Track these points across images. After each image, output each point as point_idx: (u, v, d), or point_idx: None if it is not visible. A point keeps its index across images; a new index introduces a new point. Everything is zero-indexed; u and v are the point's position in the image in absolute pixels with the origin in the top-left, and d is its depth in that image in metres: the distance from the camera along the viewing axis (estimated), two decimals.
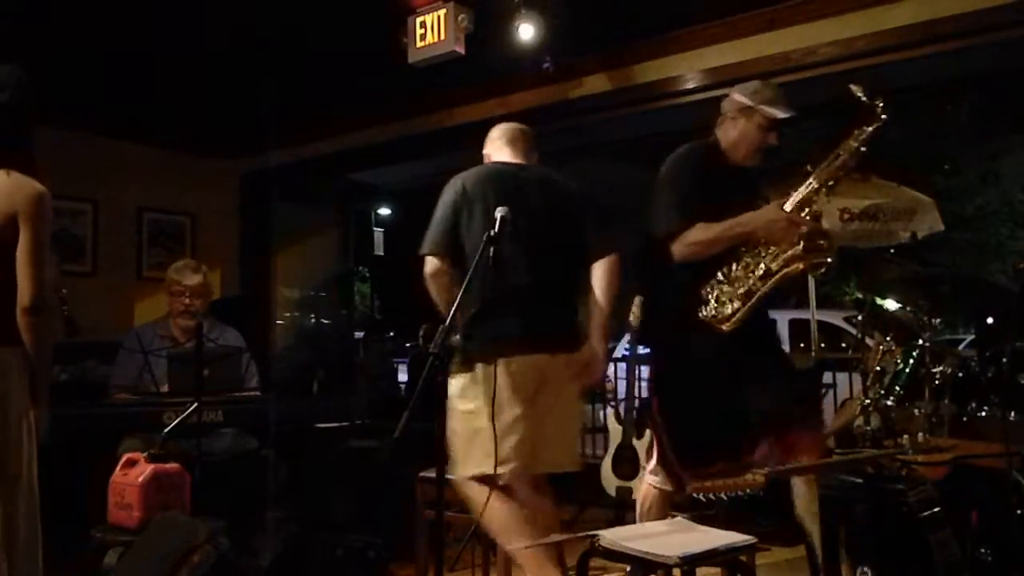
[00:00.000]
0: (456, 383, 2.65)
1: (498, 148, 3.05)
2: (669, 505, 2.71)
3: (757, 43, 3.90)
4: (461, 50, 3.84)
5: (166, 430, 3.07)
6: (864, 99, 2.60)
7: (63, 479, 3.78)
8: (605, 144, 5.82)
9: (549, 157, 6.02)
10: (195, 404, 3.06)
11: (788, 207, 2.61)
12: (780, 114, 2.78)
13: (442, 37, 3.81)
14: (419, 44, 3.89)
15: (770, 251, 2.60)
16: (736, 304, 2.61)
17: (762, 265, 2.60)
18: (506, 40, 3.92)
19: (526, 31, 3.89)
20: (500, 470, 2.56)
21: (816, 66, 3.77)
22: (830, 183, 2.62)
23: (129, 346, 3.71)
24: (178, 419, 3.09)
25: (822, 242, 2.57)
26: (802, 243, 2.55)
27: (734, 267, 2.64)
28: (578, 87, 4.49)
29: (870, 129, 2.61)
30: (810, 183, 2.63)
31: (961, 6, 3.39)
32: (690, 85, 4.16)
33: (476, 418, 2.59)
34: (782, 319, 7.17)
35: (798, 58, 3.79)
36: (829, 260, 2.58)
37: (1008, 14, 3.29)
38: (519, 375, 2.59)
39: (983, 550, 2.41)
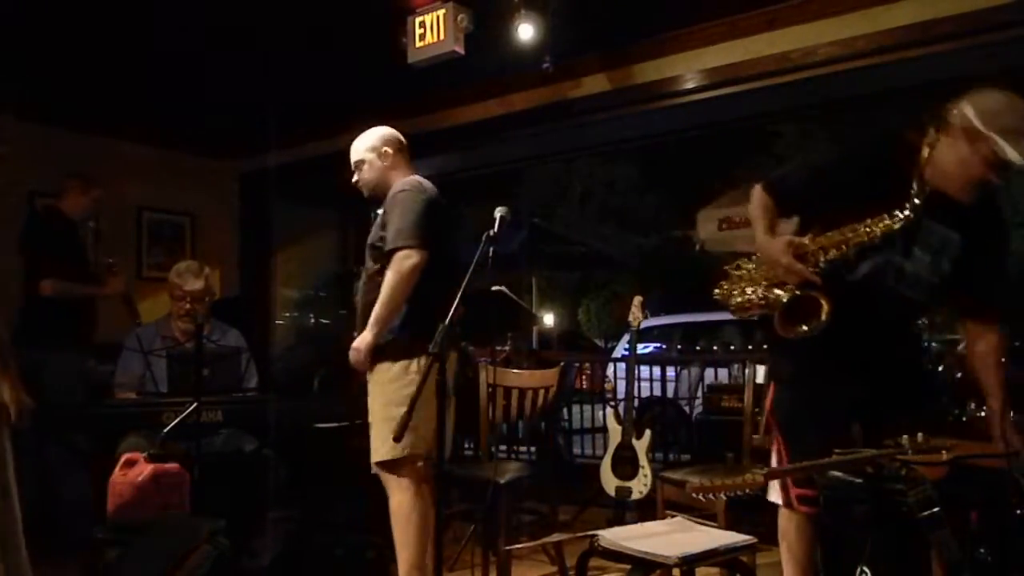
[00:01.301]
0: (395, 368, 2.83)
1: (404, 159, 3.18)
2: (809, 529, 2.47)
3: (757, 43, 3.90)
4: (461, 50, 3.83)
5: (165, 430, 3.07)
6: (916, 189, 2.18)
7: (63, 479, 3.80)
8: (605, 144, 5.82)
9: (549, 157, 5.98)
10: (194, 404, 3.06)
11: (807, 242, 2.31)
12: (1017, 160, 2.09)
13: (441, 37, 3.81)
14: (418, 44, 3.89)
15: (769, 277, 2.41)
16: (737, 300, 2.51)
17: (760, 286, 2.44)
18: (506, 40, 3.91)
19: (526, 31, 3.88)
20: (421, 451, 2.79)
21: (816, 66, 3.77)
22: (843, 247, 2.28)
23: (130, 346, 3.72)
24: (177, 419, 3.09)
25: (820, 312, 2.24)
26: (786, 299, 2.32)
27: (751, 265, 2.52)
28: (578, 87, 4.49)
29: (902, 216, 2.20)
30: (831, 237, 2.28)
31: (961, 6, 3.39)
32: (690, 85, 4.16)
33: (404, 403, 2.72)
34: None
35: (798, 58, 3.78)
36: (804, 329, 2.28)
37: (1008, 14, 3.29)
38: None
39: (983, 550, 2.41)
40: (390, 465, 2.84)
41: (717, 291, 2.57)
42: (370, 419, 2.91)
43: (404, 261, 2.82)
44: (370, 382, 2.95)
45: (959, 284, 2.35)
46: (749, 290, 2.48)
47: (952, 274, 2.32)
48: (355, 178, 3.16)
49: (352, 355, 2.89)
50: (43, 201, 4.48)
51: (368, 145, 3.12)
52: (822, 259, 2.30)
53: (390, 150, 3.11)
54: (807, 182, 2.44)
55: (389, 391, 2.85)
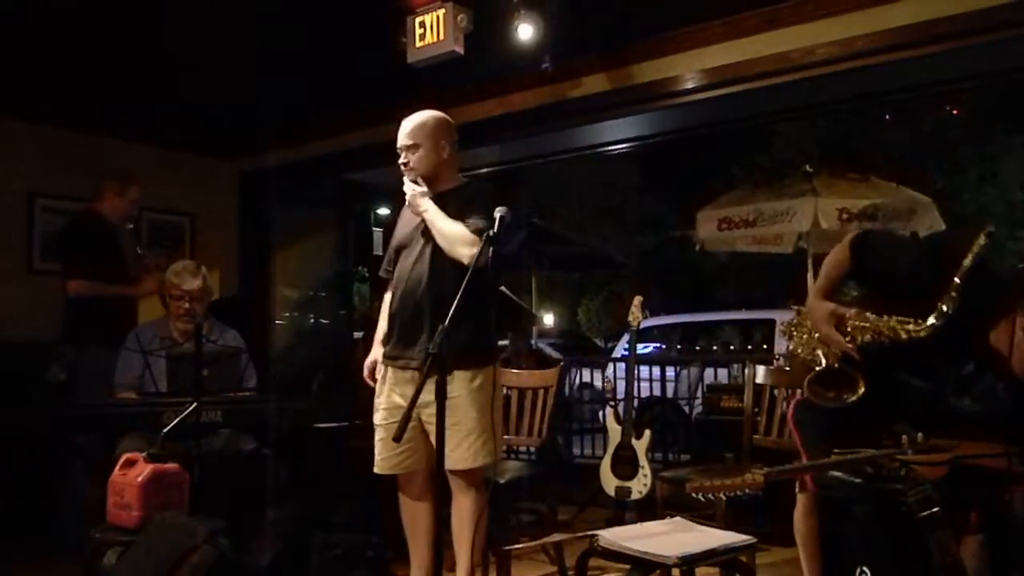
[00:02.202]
0: (481, 376, 2.87)
1: (457, 156, 3.10)
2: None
3: (757, 43, 3.90)
4: (460, 50, 3.83)
5: (165, 430, 3.07)
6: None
7: (62, 479, 3.81)
8: (605, 144, 5.82)
9: (549, 157, 5.98)
10: (194, 404, 3.06)
11: (848, 316, 2.32)
12: None
13: (441, 37, 3.81)
14: (418, 44, 3.89)
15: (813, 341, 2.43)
16: (791, 347, 2.53)
17: (809, 342, 2.46)
18: (505, 40, 3.91)
19: (525, 31, 3.88)
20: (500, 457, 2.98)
21: (816, 66, 3.77)
22: (878, 335, 2.28)
23: (129, 346, 3.72)
24: (177, 419, 3.08)
25: (856, 389, 2.26)
26: (821, 367, 2.36)
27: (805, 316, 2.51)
28: (577, 87, 4.49)
29: (927, 326, 2.18)
30: (871, 319, 2.29)
31: (961, 6, 3.38)
32: (690, 85, 4.16)
33: (491, 410, 2.87)
34: (781, 319, 7.17)
35: (798, 58, 3.78)
36: (832, 396, 2.32)
37: (1008, 14, 3.29)
38: None
39: (983, 550, 2.41)
40: (474, 472, 2.86)
41: (787, 340, 2.58)
42: (451, 427, 2.72)
43: (475, 247, 2.73)
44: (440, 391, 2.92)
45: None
46: (805, 340, 2.50)
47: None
48: (404, 159, 2.98)
49: (413, 195, 2.93)
50: (84, 204, 4.56)
51: (428, 132, 2.96)
52: (859, 338, 2.30)
53: (448, 146, 2.99)
54: (891, 252, 2.42)
55: (480, 399, 2.86)
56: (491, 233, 2.47)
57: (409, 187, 2.96)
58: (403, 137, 2.98)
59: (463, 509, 2.89)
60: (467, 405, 2.85)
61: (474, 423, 2.84)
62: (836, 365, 2.34)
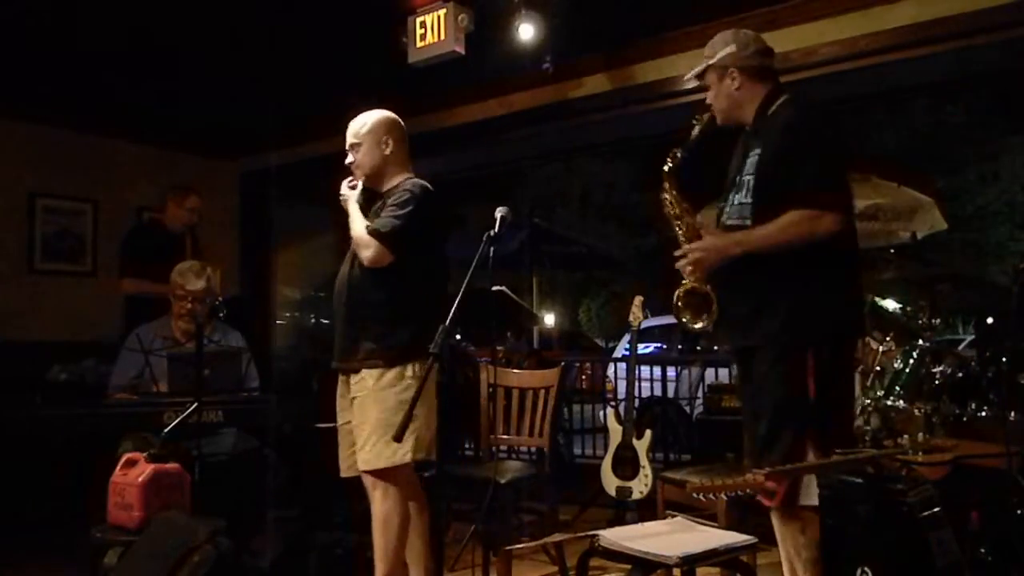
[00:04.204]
0: (390, 374, 2.76)
1: (405, 151, 3.05)
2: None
3: None
4: (461, 50, 3.84)
5: (166, 430, 3.07)
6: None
7: (63, 479, 3.81)
8: (605, 144, 5.83)
9: (549, 157, 5.96)
10: (195, 404, 3.06)
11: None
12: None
13: (442, 37, 3.81)
14: (419, 44, 3.89)
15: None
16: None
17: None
18: (506, 40, 3.91)
19: (526, 31, 3.89)
20: (421, 456, 2.74)
21: (816, 66, 3.77)
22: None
23: (130, 346, 3.71)
24: (178, 419, 3.08)
25: (711, 302, 2.50)
26: (680, 300, 2.55)
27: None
28: (578, 87, 4.49)
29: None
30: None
31: (961, 6, 3.39)
32: (690, 85, 4.15)
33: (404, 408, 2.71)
34: None
35: (798, 58, 3.78)
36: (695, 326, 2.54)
37: (1008, 14, 3.29)
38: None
39: (983, 550, 2.41)
40: (383, 472, 2.75)
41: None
42: (359, 426, 2.81)
43: (370, 249, 2.79)
44: (356, 389, 2.85)
45: (778, 185, 2.48)
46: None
47: (768, 181, 2.50)
48: (349, 159, 3.00)
49: (342, 197, 3.01)
50: (150, 214, 4.84)
51: (367, 129, 2.95)
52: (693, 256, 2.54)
53: (391, 140, 2.96)
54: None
55: (385, 397, 2.75)
56: (492, 232, 2.47)
57: (343, 187, 3.00)
58: (348, 137, 3.00)
59: (374, 512, 2.79)
60: (370, 405, 2.77)
61: (371, 423, 2.74)
62: (688, 288, 2.53)
